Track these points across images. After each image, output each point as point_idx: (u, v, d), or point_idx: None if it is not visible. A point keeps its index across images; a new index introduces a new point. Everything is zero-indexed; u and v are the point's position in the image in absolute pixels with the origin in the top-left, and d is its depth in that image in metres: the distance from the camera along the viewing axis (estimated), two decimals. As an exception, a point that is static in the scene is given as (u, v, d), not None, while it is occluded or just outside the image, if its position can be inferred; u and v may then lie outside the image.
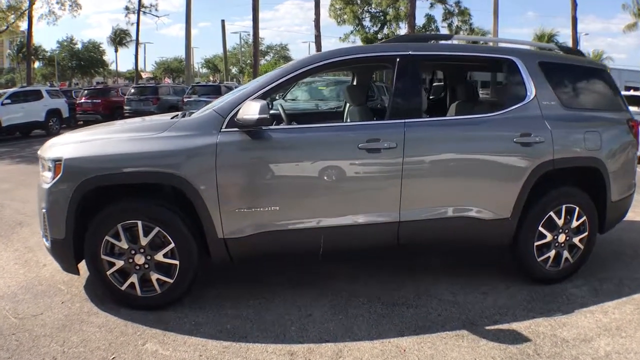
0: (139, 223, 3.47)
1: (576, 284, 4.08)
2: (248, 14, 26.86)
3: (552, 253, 4.02)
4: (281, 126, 4.03)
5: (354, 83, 5.91)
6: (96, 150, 3.48)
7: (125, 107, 20.02)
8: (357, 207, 3.63)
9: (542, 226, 3.94)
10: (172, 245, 3.48)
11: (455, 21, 32.59)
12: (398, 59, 3.80)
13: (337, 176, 3.55)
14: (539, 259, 3.99)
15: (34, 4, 31.60)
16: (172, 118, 3.95)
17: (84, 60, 58.39)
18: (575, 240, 4.07)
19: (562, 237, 4.01)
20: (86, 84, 53.50)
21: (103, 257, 3.49)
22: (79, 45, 59.10)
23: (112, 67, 65.49)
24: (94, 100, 20.84)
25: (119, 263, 3.51)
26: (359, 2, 34.49)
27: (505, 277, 4.19)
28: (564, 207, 3.98)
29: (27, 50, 35.91)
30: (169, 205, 3.51)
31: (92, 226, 3.46)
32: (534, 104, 3.92)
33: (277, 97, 12.81)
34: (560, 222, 3.98)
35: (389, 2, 32.78)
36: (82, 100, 21.06)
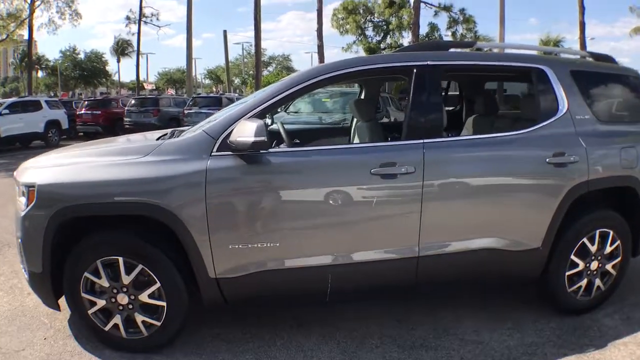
0: (120, 259, 3.09)
1: (607, 312, 3.78)
2: (251, 25, 26.68)
3: (584, 282, 3.69)
4: (281, 148, 3.61)
5: (362, 96, 5.45)
6: (72, 176, 3.12)
7: (125, 119, 19.71)
8: (370, 242, 3.23)
9: (574, 254, 3.61)
10: (158, 285, 3.11)
11: (460, 29, 32.20)
12: (415, 70, 3.38)
13: (347, 206, 3.16)
14: (570, 289, 3.66)
15: (34, 12, 31.57)
16: (158, 139, 3.57)
17: (86, 70, 58.41)
18: (608, 266, 3.75)
19: (594, 265, 3.68)
20: (90, 95, 53.61)
21: (83, 295, 3.17)
22: (82, 55, 59.23)
23: (115, 77, 65.54)
24: (94, 112, 20.50)
25: (101, 302, 3.17)
26: (361, 11, 34.61)
27: (531, 309, 3.84)
28: (597, 231, 3.64)
29: (28, 59, 35.85)
30: (154, 240, 3.12)
31: (69, 261, 3.13)
32: (567, 119, 3.55)
33: (279, 110, 12.55)
34: (593, 248, 3.65)
35: (392, 12, 32.76)
36: (82, 112, 20.75)
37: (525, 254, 3.46)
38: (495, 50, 4.95)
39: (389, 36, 34.65)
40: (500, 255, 3.39)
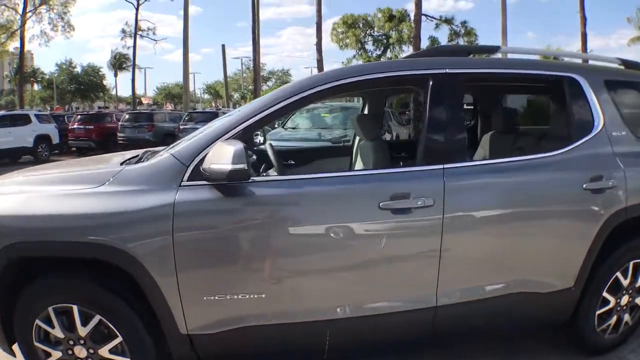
0: (75, 308, 2.55)
1: (633, 348, 3.45)
2: (250, 40, 26.31)
3: (614, 320, 3.26)
4: (269, 176, 3.05)
5: (365, 111, 4.84)
6: (18, 208, 2.61)
7: (119, 134, 19.20)
8: (377, 291, 2.70)
9: (606, 290, 3.17)
10: (120, 339, 2.56)
11: (461, 42, 31.75)
12: (431, 80, 2.85)
13: (350, 248, 2.62)
14: (599, 329, 3.21)
15: (25, 23, 31.20)
16: (122, 163, 3.02)
17: (83, 84, 57.97)
18: (638, 300, 3.34)
19: (625, 299, 3.27)
20: (87, 109, 53.21)
21: (36, 344, 2.67)
22: (79, 69, 58.86)
23: (113, 92, 65.27)
24: (87, 126, 19.85)
25: (56, 354, 2.66)
26: (361, 25, 34.59)
27: (553, 351, 3.44)
28: (631, 263, 3.22)
29: (19, 71, 35.33)
30: (114, 287, 2.55)
31: (18, 305, 2.61)
32: (603, 137, 3.07)
33: (276, 126, 12.06)
34: (626, 282, 3.23)
35: (392, 25, 32.65)
36: (75, 126, 20.15)
37: (557, 296, 2.97)
38: (513, 56, 4.32)
39: (389, 50, 34.54)
40: (528, 300, 2.91)
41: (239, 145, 2.40)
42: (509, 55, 3.97)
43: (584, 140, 3.03)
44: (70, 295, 2.56)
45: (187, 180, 2.51)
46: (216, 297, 2.50)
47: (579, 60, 4.38)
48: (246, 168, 2.38)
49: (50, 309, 2.57)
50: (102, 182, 2.57)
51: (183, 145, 2.73)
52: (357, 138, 4.39)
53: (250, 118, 2.68)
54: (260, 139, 4.37)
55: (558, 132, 3.39)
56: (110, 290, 2.53)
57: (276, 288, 2.57)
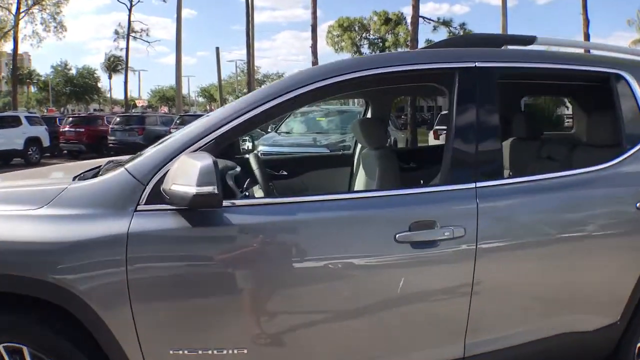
0: (25, 349, 2.11)
1: None
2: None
3: None
4: (251, 199, 2.34)
5: (369, 115, 4.12)
6: None
7: (110, 138, 18.87)
8: (390, 342, 2.21)
9: None
10: None
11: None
12: (458, 76, 2.32)
13: (357, 292, 2.11)
14: None
15: (18, 23, 31.01)
16: (75, 177, 2.45)
17: (78, 86, 57.74)
18: None
19: None
20: (83, 111, 52.91)
21: None
22: (74, 71, 58.59)
23: (108, 94, 65.09)
24: (78, 129, 19.49)
25: None
26: (357, 28, 34.46)
27: None
28: None
29: (12, 73, 35.02)
30: (69, 331, 2.08)
31: None
32: None
33: (269, 130, 11.70)
34: None
35: (388, 29, 32.52)
36: (66, 129, 19.81)
37: (602, 333, 2.53)
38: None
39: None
40: (572, 340, 2.46)
41: (206, 161, 1.84)
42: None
43: (634, 150, 2.53)
44: (19, 335, 2.09)
45: (145, 204, 1.96)
46: (185, 352, 2.02)
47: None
48: (216, 192, 1.83)
49: (0, 347, 2.09)
50: (43, 203, 2.06)
51: (140, 158, 2.13)
52: (359, 146, 3.82)
53: (228, 123, 2.10)
54: (249, 144, 3.92)
55: (601, 139, 2.93)
56: (63, 335, 2.06)
57: (261, 341, 2.09)
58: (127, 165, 2.08)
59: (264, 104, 2.15)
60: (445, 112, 18.73)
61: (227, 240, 2.04)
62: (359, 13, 55.04)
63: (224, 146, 2.21)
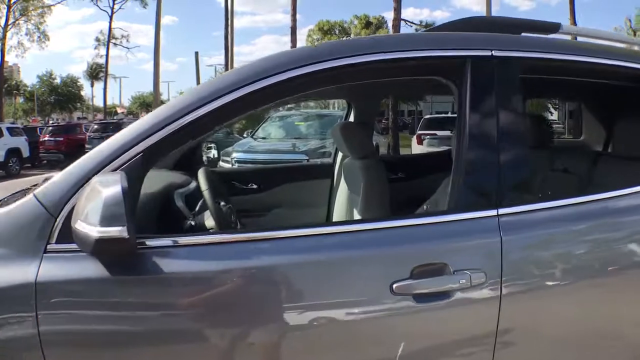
0: None
1: None
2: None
3: None
4: (190, 237, 1.65)
5: (351, 119, 3.50)
6: None
7: (87, 146, 18.51)
8: None
9: None
10: None
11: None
12: (470, 66, 1.77)
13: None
14: None
15: (6, 35, 31.16)
16: None
17: (62, 95, 57.53)
18: None
19: None
20: (67, 120, 52.57)
21: None
22: (58, 80, 58.38)
23: (90, 102, 64.85)
24: (57, 138, 19.36)
25: None
26: (337, 32, 34.49)
27: None
28: None
29: (-1, 84, 34.82)
30: None
31: None
32: None
33: (244, 135, 11.49)
34: None
35: (369, 32, 32.58)
36: (45, 138, 19.66)
37: None
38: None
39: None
40: None
41: (113, 188, 1.36)
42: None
43: None
44: None
45: (56, 242, 1.49)
46: None
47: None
48: (126, 236, 1.34)
49: None
50: None
51: (53, 179, 1.61)
52: (340, 154, 3.33)
53: (160, 129, 1.56)
54: (214, 152, 3.63)
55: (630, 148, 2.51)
56: None
57: None
58: (37, 191, 1.57)
59: (209, 102, 1.60)
60: (428, 116, 18.55)
61: (155, 292, 1.52)
62: (340, 17, 55.13)
63: (155, 161, 1.71)
